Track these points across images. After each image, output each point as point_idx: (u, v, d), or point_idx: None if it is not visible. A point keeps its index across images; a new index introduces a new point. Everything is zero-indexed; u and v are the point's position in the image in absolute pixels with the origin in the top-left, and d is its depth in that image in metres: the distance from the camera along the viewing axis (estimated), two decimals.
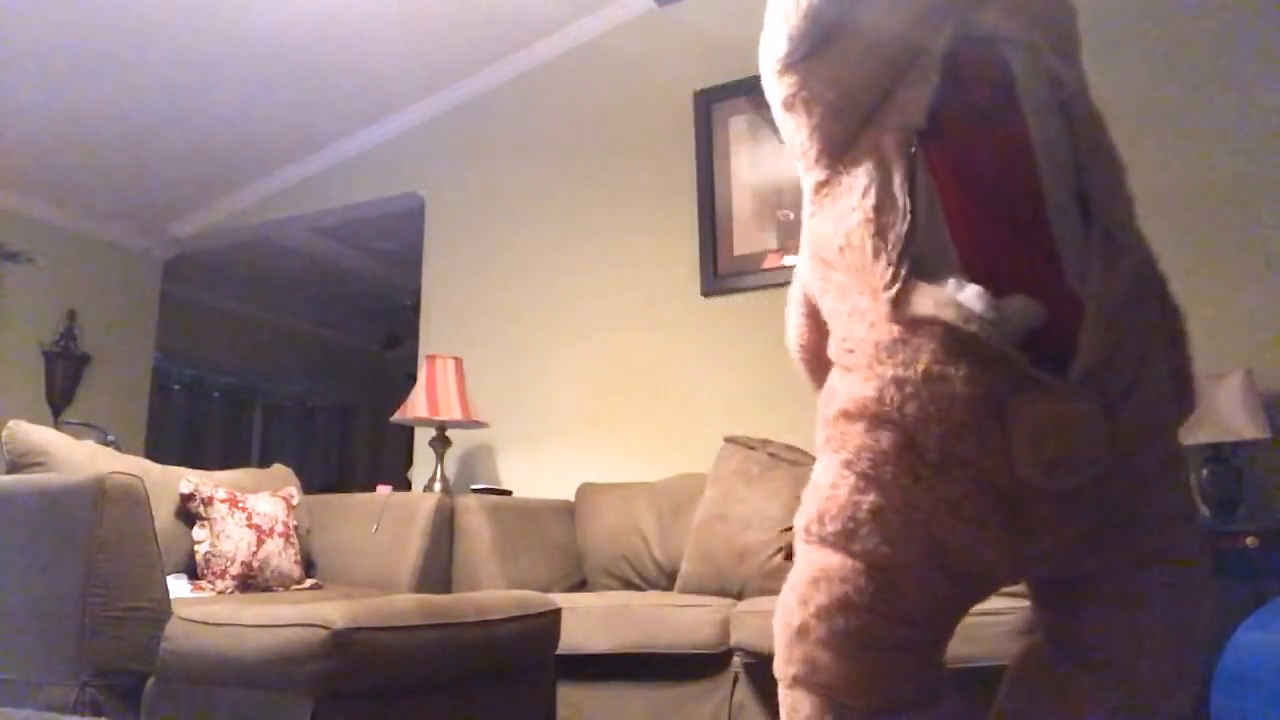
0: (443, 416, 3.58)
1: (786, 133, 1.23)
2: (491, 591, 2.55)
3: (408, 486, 4.11)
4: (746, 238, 3.61)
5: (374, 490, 3.34)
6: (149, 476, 2.07)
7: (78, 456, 2.32)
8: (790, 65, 1.17)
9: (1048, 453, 0.98)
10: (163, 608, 1.84)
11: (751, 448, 2.98)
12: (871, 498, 1.10)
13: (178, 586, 2.32)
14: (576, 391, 3.86)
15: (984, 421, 1.01)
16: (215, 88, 4.18)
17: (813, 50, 1.15)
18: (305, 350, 7.68)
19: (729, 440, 3.06)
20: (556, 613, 2.15)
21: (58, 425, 4.22)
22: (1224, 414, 2.61)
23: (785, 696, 1.19)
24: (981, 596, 1.18)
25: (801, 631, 1.15)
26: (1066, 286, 1.05)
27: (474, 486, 3.57)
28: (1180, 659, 1.12)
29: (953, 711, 1.17)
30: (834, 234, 1.14)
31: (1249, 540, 2.52)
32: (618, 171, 3.98)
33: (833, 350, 1.19)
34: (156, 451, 5.18)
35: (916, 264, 1.06)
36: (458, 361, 3.69)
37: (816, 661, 1.13)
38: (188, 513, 2.57)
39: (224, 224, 5.26)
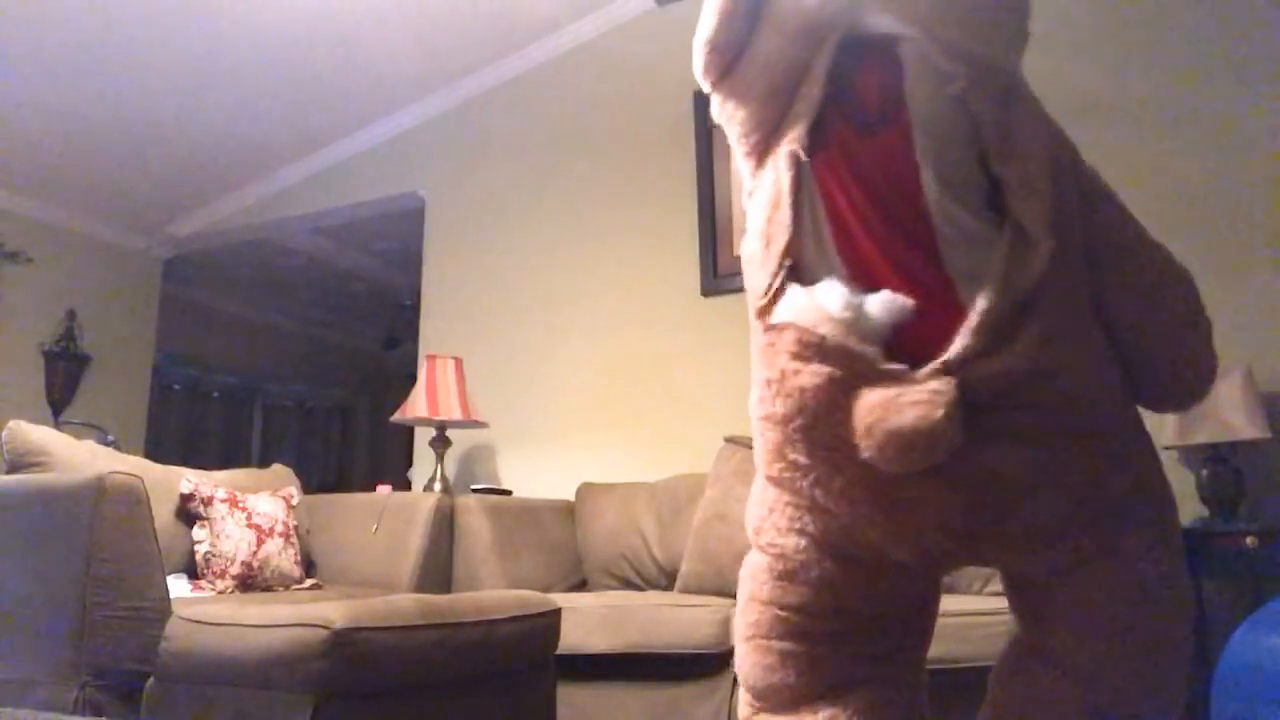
0: (443, 416, 3.58)
1: (729, 140, 1.34)
2: (491, 591, 2.55)
3: (408, 486, 4.11)
4: None
5: (374, 490, 3.35)
6: (149, 476, 2.07)
7: (78, 456, 2.32)
8: (711, 86, 1.27)
9: (875, 434, 1.02)
10: (163, 608, 1.84)
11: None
12: (772, 494, 1.21)
13: (178, 586, 2.32)
14: (576, 391, 3.86)
15: (834, 411, 1.07)
16: (215, 88, 4.18)
17: (721, 74, 1.24)
18: (305, 350, 7.68)
19: (729, 440, 3.06)
20: (556, 613, 2.15)
21: (58, 425, 4.22)
22: (1224, 414, 2.61)
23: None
24: (894, 586, 1.20)
25: (734, 631, 1.26)
26: (947, 285, 1.07)
27: (474, 486, 3.57)
28: (1142, 665, 1.11)
29: (870, 704, 1.18)
30: (747, 242, 1.24)
31: (1249, 540, 2.53)
32: (618, 171, 3.98)
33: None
34: (156, 451, 5.18)
35: (799, 273, 1.14)
36: (458, 361, 3.69)
37: (741, 658, 1.23)
38: (188, 513, 2.57)
39: (224, 224, 5.26)
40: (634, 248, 3.87)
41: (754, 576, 1.23)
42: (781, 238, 1.15)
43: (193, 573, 2.53)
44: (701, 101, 3.78)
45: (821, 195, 1.15)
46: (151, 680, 1.76)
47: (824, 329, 1.07)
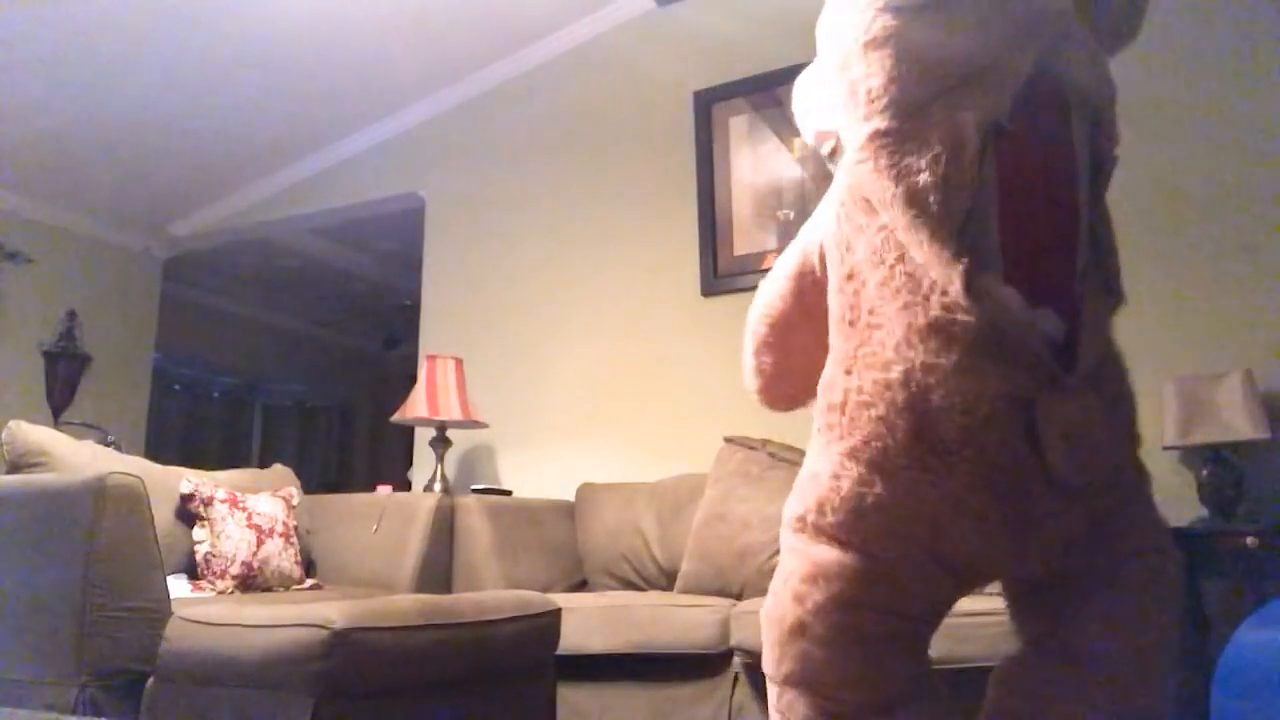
0: (443, 416, 3.58)
1: (851, 71, 1.17)
2: (491, 591, 2.55)
3: (408, 486, 4.11)
4: (746, 238, 3.61)
5: (374, 490, 3.35)
6: (149, 476, 2.07)
7: (78, 457, 2.33)
8: (902, 7, 1.14)
9: (1081, 449, 1.02)
10: (163, 608, 1.84)
11: (751, 448, 2.98)
12: (877, 489, 1.08)
13: (178, 586, 2.32)
14: (576, 391, 3.86)
15: (1010, 418, 1.03)
16: (215, 88, 4.18)
17: (930, 3, 1.13)
18: (305, 350, 7.68)
19: (729, 440, 3.06)
20: (556, 613, 2.15)
21: (58, 425, 4.22)
22: (1224, 414, 2.61)
23: (778, 695, 1.17)
24: (972, 588, 1.20)
25: (796, 629, 1.13)
26: (1076, 305, 1.10)
27: (474, 486, 3.57)
28: (1155, 658, 1.15)
29: (946, 705, 1.17)
30: (891, 188, 1.10)
31: (1249, 540, 2.52)
32: (618, 171, 3.98)
33: (842, 324, 1.16)
34: (156, 451, 5.18)
35: (969, 249, 1.06)
36: (458, 361, 3.69)
37: (812, 659, 1.12)
38: (188, 513, 2.57)
39: (224, 224, 5.26)
40: (634, 248, 3.87)
41: (842, 575, 1.10)
42: (966, 199, 1.06)
43: (193, 573, 2.53)
44: (701, 101, 3.79)
45: (998, 176, 1.08)
46: (151, 680, 1.76)
47: (1014, 328, 1.03)
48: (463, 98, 4.44)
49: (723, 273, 3.62)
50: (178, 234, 5.41)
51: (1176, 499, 2.79)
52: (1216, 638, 2.45)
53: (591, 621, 2.49)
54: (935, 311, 1.04)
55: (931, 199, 1.06)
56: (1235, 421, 2.58)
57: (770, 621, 1.17)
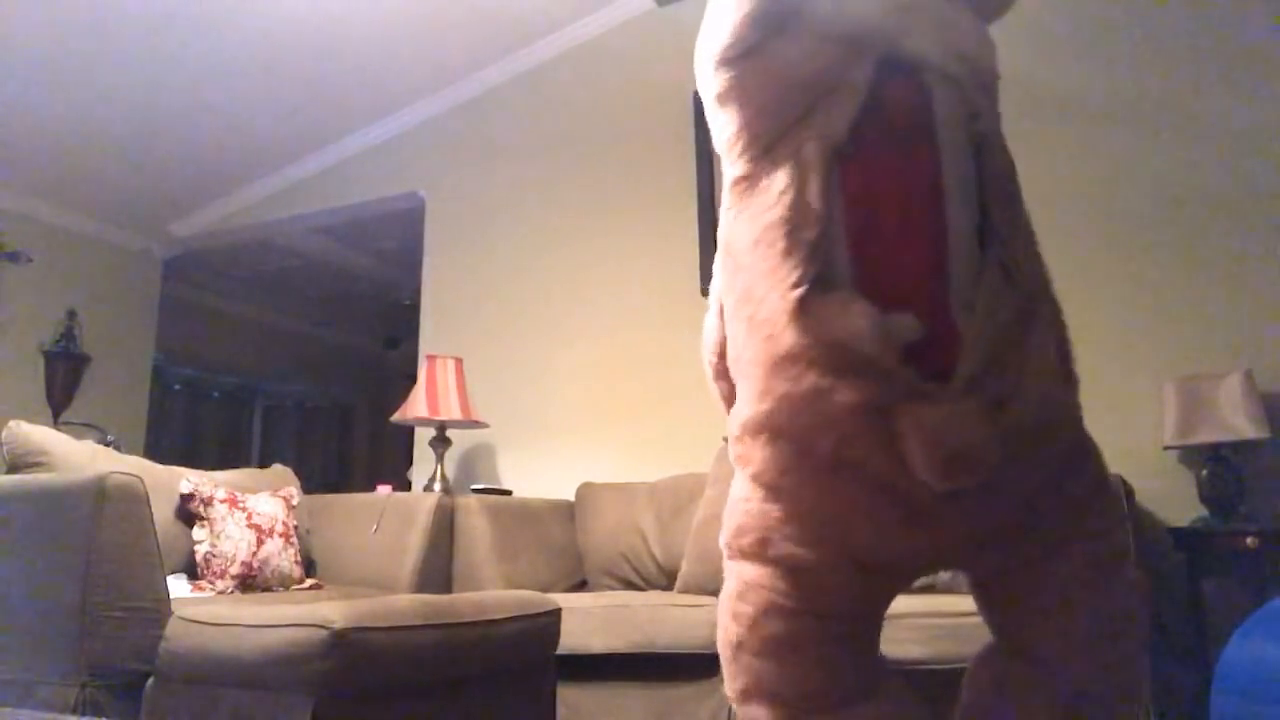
0: (443, 416, 3.58)
1: (716, 128, 1.27)
2: (491, 591, 2.55)
3: (408, 486, 4.11)
4: None
5: (374, 490, 3.35)
6: (149, 476, 2.07)
7: (78, 456, 2.32)
8: (729, 60, 1.20)
9: (941, 455, 1.02)
10: (163, 608, 1.84)
11: None
12: (780, 506, 1.15)
13: (178, 586, 2.32)
14: (576, 391, 3.86)
15: (872, 429, 1.06)
16: (215, 88, 4.18)
17: (753, 48, 1.18)
18: (305, 350, 7.68)
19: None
20: (556, 613, 2.15)
21: (58, 425, 4.22)
22: (1224, 414, 2.61)
23: (741, 714, 1.22)
24: (903, 585, 1.23)
25: (738, 646, 1.19)
26: (949, 308, 1.10)
27: (474, 486, 3.57)
28: (1105, 648, 1.14)
29: (900, 696, 1.19)
30: (748, 231, 1.17)
31: (1249, 540, 2.53)
32: (618, 171, 3.98)
33: (732, 363, 1.24)
34: (156, 451, 5.18)
35: (819, 274, 1.11)
36: (458, 361, 3.69)
37: (758, 671, 1.17)
38: (188, 513, 2.57)
39: (224, 224, 5.26)
40: (634, 247, 3.87)
41: (765, 587, 1.17)
42: (811, 229, 1.11)
43: (193, 573, 2.53)
44: (701, 101, 3.78)
45: (845, 199, 1.12)
46: (151, 680, 1.76)
47: (866, 346, 1.06)
48: (463, 98, 4.44)
49: None
50: (178, 234, 5.41)
51: (1176, 499, 2.79)
52: (1216, 638, 2.45)
53: (591, 621, 2.49)
54: (786, 343, 1.10)
55: (779, 233, 1.13)
56: (1235, 421, 2.58)
57: (720, 645, 1.23)
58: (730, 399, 1.37)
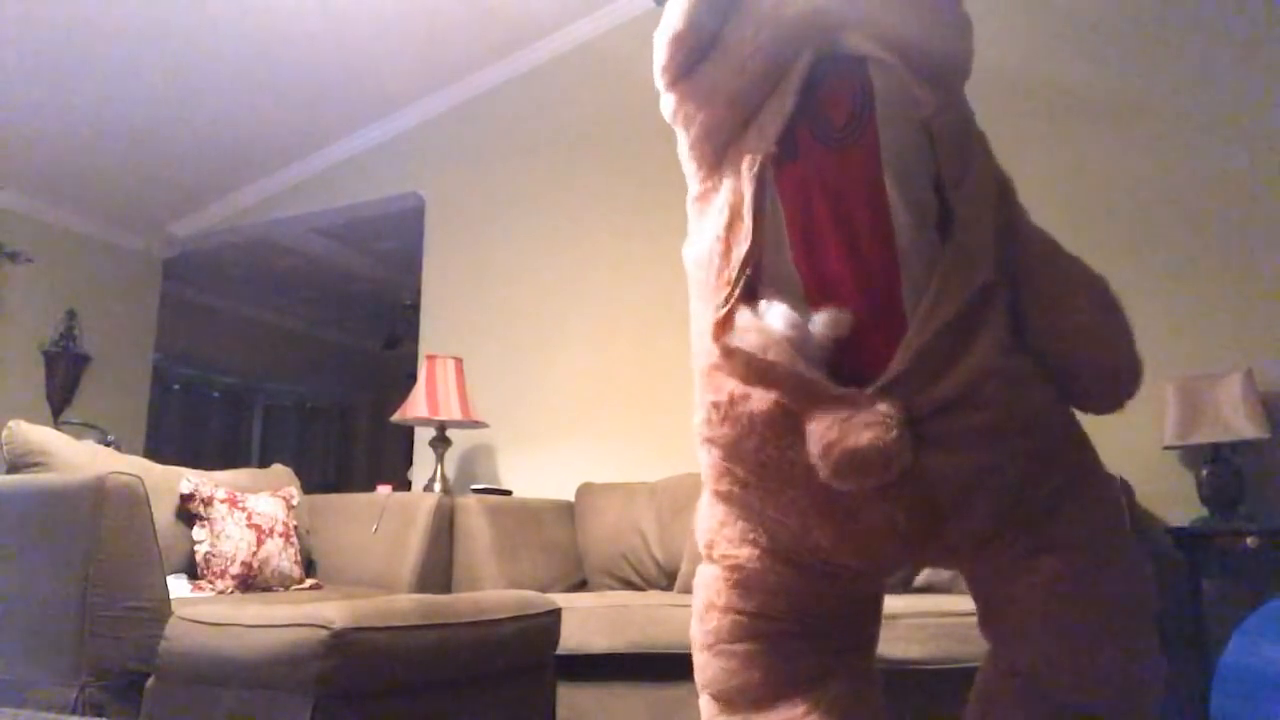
0: (443, 416, 3.58)
1: (679, 147, 1.30)
2: (491, 591, 2.55)
3: (408, 486, 4.11)
4: None
5: (374, 490, 3.35)
6: (149, 476, 2.07)
7: (78, 456, 2.32)
8: (668, 83, 1.23)
9: (834, 457, 1.04)
10: (163, 608, 1.84)
11: None
12: (721, 509, 1.23)
13: (178, 586, 2.32)
14: (576, 391, 3.86)
15: (784, 433, 1.09)
16: (215, 88, 4.18)
17: (684, 72, 1.20)
18: (305, 350, 7.68)
19: None
20: (556, 613, 2.15)
21: (58, 425, 4.22)
22: (1224, 414, 2.61)
23: (702, 707, 1.28)
24: (847, 588, 1.23)
25: (693, 640, 1.27)
26: (899, 299, 1.10)
27: (474, 486, 3.57)
28: (1084, 657, 1.12)
29: (840, 696, 1.19)
30: (696, 250, 1.22)
31: (1249, 540, 2.53)
32: (618, 171, 3.98)
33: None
34: (156, 451, 5.18)
35: (756, 287, 1.14)
36: (458, 361, 3.69)
37: (705, 666, 1.24)
38: (188, 513, 2.57)
39: (224, 224, 5.26)
40: (634, 247, 3.87)
41: (708, 586, 1.25)
42: (742, 246, 1.14)
43: (193, 573, 2.53)
44: None
45: (784, 206, 1.14)
46: (151, 680, 1.76)
47: (772, 353, 1.09)
48: (463, 98, 4.44)
49: None
50: (178, 234, 5.41)
51: (1176, 499, 2.79)
52: (1216, 638, 2.45)
53: (591, 621, 2.49)
54: (714, 356, 1.15)
55: (714, 253, 1.17)
56: (1235, 421, 2.58)
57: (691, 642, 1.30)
58: None
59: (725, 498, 1.22)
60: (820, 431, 1.05)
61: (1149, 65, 3.13)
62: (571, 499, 3.45)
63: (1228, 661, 1.16)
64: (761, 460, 1.12)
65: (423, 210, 4.48)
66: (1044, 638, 1.13)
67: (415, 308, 4.52)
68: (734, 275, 1.13)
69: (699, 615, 1.26)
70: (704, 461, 1.22)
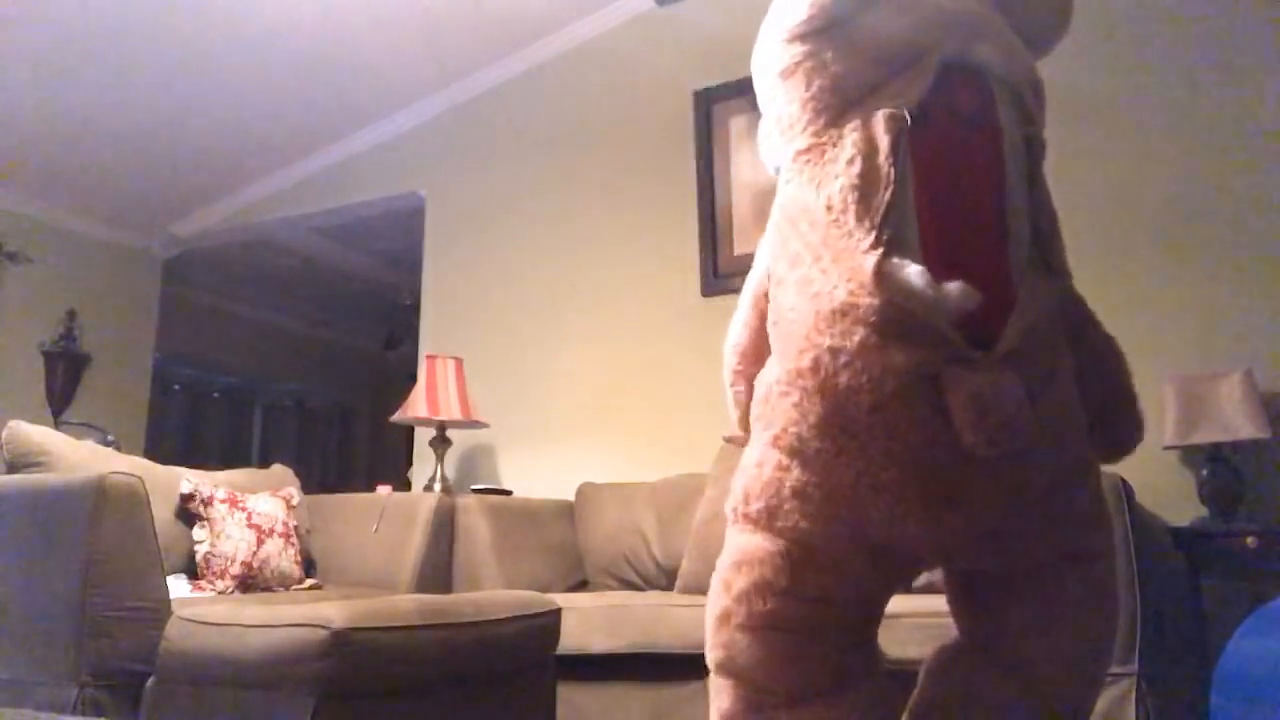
0: (443, 416, 3.58)
1: (776, 102, 1.27)
2: (491, 591, 2.55)
3: (408, 486, 4.11)
4: (746, 238, 3.61)
5: (374, 490, 3.35)
6: (149, 476, 2.07)
7: (78, 456, 2.33)
8: (805, 34, 1.21)
9: (990, 419, 1.02)
10: (163, 608, 1.84)
11: None
12: (795, 473, 1.12)
13: (178, 586, 2.32)
14: (576, 391, 3.86)
15: (915, 393, 1.04)
16: (215, 88, 4.18)
17: (832, 23, 1.19)
18: (305, 350, 7.68)
19: (729, 440, 3.06)
20: (556, 613, 2.15)
21: (58, 425, 4.22)
22: (1224, 414, 2.61)
23: (711, 684, 1.22)
24: (904, 578, 1.23)
25: (723, 617, 1.17)
26: (1007, 282, 1.12)
27: (474, 486, 3.57)
28: (1088, 661, 1.17)
29: (874, 696, 1.17)
30: (814, 198, 1.17)
31: (1249, 540, 2.53)
32: (618, 171, 3.98)
33: (773, 327, 1.22)
34: (156, 451, 5.18)
35: (891, 238, 1.11)
36: (458, 361, 3.69)
37: (735, 646, 1.16)
38: (188, 513, 2.57)
39: (224, 224, 5.26)
40: (634, 247, 3.87)
41: (760, 560, 1.14)
42: (884, 192, 1.11)
43: (193, 573, 2.53)
44: (701, 101, 3.78)
45: (916, 167, 1.13)
46: (151, 680, 1.76)
47: (917, 307, 1.05)
48: (463, 98, 4.44)
49: (723, 273, 3.61)
50: (178, 234, 5.40)
51: (1176, 499, 2.79)
52: (1216, 638, 2.45)
53: (591, 621, 2.49)
54: (841, 297, 1.09)
55: (848, 200, 1.12)
56: (1235, 421, 2.58)
57: (707, 611, 1.22)
58: (745, 403, 1.36)
59: (803, 460, 1.11)
60: (973, 392, 1.03)
61: (1148, 64, 3.13)
62: (571, 499, 3.45)
63: (1227, 662, 1.16)
64: (876, 420, 1.06)
65: (423, 210, 4.48)
66: (1064, 640, 1.15)
67: (415, 308, 4.52)
68: (878, 223, 1.10)
69: (739, 591, 1.15)
70: (783, 419, 1.13)
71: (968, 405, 1.02)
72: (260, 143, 4.68)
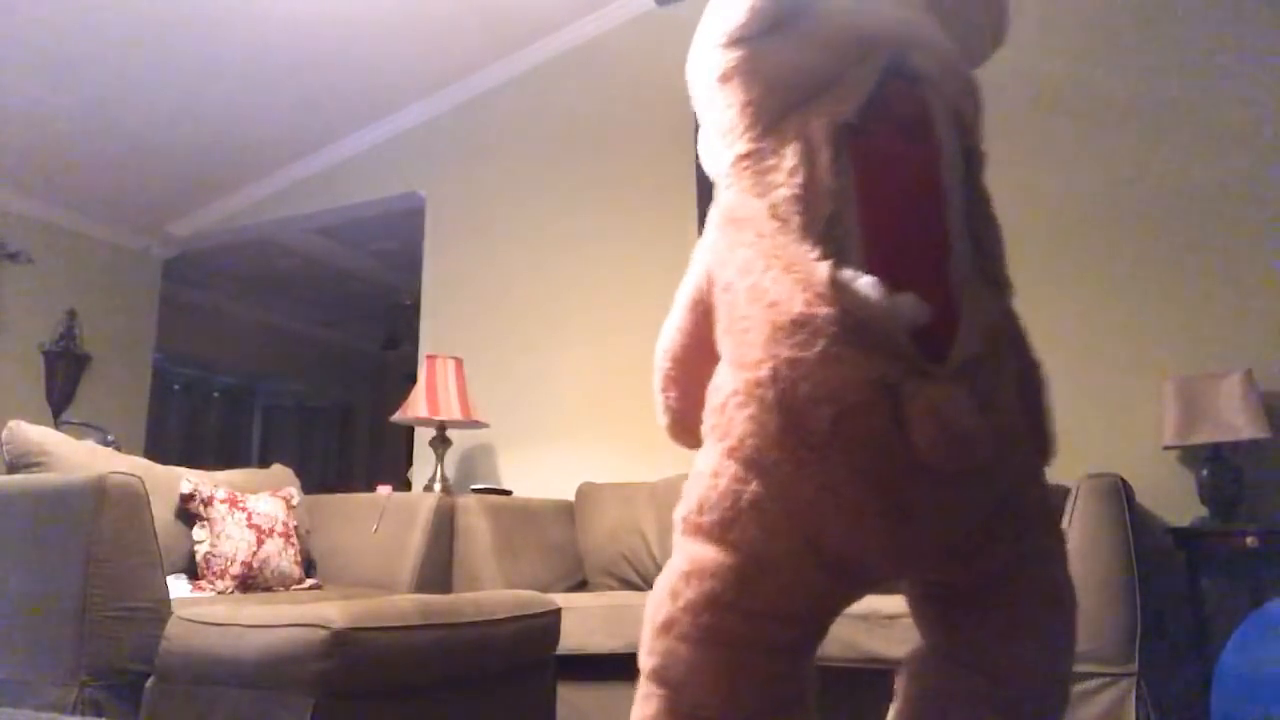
0: (443, 416, 3.58)
1: (713, 108, 1.26)
2: (491, 591, 2.55)
3: (408, 486, 4.11)
4: None
5: (374, 490, 3.35)
6: (149, 476, 2.07)
7: (78, 456, 2.33)
8: (741, 39, 1.21)
9: (950, 435, 1.01)
10: (163, 608, 1.84)
11: None
12: (753, 486, 1.09)
13: (178, 586, 2.32)
14: (576, 391, 3.86)
15: (875, 405, 1.03)
16: (215, 88, 4.18)
17: (769, 27, 1.19)
18: (305, 350, 7.68)
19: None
20: (556, 613, 2.15)
21: (58, 425, 4.22)
22: (1224, 414, 2.61)
23: (639, 688, 1.18)
24: (857, 593, 1.19)
25: (666, 625, 1.15)
26: (951, 295, 1.10)
27: (474, 486, 3.57)
28: (1053, 660, 1.17)
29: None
30: (758, 205, 1.17)
31: (1249, 540, 2.53)
32: (618, 171, 3.98)
33: (725, 334, 1.20)
34: (156, 451, 5.18)
35: (836, 248, 1.10)
36: (458, 361, 3.69)
37: (674, 656, 1.13)
38: (188, 513, 2.57)
39: (224, 224, 5.26)
40: (634, 247, 3.87)
41: (714, 574, 1.11)
42: (826, 203, 1.10)
43: (193, 573, 2.53)
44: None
45: (855, 176, 1.13)
46: (151, 680, 1.76)
47: (874, 318, 1.04)
48: (463, 98, 4.44)
49: None
50: (178, 234, 5.41)
51: (1176, 499, 2.79)
52: (1216, 638, 2.45)
53: (591, 621, 2.49)
54: (798, 308, 1.07)
55: (793, 208, 1.12)
56: (1235, 421, 2.58)
57: (647, 616, 1.18)
58: (676, 409, 1.35)
59: (761, 472, 1.09)
60: (934, 407, 1.02)
61: (1149, 65, 3.13)
62: (571, 499, 3.45)
63: (1228, 661, 1.16)
64: (836, 432, 1.04)
65: (423, 210, 4.48)
66: (1026, 643, 1.15)
67: (415, 308, 4.52)
68: (822, 234, 1.10)
69: (686, 602, 1.12)
70: (740, 430, 1.10)
71: (927, 419, 1.01)
72: (260, 143, 4.69)
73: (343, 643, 1.59)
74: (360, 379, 8.15)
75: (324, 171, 4.85)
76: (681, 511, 1.18)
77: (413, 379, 3.86)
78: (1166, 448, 2.75)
